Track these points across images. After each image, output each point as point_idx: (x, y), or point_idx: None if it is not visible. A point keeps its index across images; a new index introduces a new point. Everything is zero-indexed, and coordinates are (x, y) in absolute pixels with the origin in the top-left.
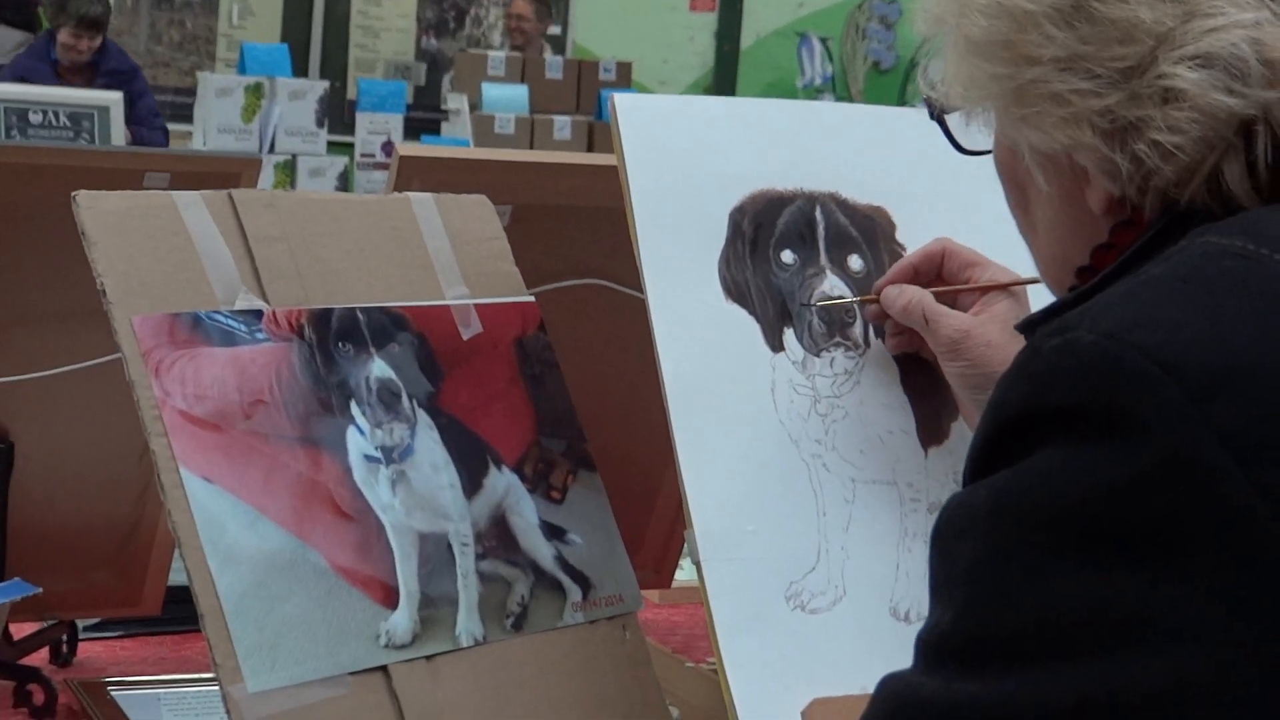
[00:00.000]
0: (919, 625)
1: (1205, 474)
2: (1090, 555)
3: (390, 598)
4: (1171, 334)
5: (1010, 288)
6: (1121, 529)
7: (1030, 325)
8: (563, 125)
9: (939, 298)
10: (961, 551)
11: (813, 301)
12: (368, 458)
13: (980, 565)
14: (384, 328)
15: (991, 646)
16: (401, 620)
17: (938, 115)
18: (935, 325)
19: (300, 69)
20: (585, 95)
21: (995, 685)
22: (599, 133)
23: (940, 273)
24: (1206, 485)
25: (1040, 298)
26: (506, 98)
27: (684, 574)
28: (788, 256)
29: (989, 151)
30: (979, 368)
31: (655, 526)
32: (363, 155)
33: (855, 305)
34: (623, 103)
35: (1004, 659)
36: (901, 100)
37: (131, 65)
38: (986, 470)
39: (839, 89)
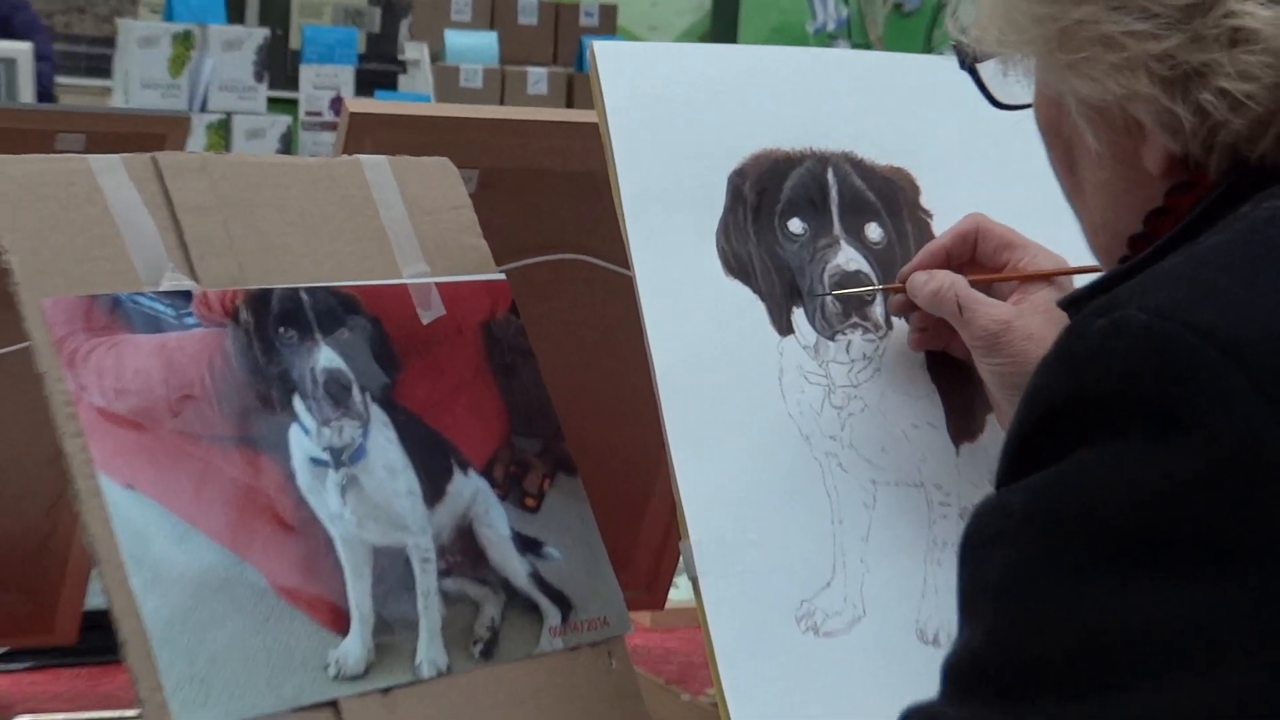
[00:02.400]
0: (948, 649)
1: (1272, 471)
2: (1142, 565)
3: (340, 622)
4: (1233, 313)
5: (1055, 276)
6: (1178, 534)
7: (1074, 302)
8: (538, 78)
9: (974, 285)
10: (994, 562)
11: (825, 282)
12: (314, 461)
13: (1016, 578)
14: (332, 311)
15: (1029, 672)
16: (353, 648)
17: (969, 64)
18: (971, 315)
19: (235, 15)
20: (563, 43)
21: (1034, 718)
22: (579, 86)
23: (973, 256)
24: (1274, 483)
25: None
26: (473, 46)
27: (679, 593)
28: (796, 226)
29: (1029, 105)
30: (1019, 364)
31: (646, 538)
32: (308, 113)
33: (876, 290)
34: (605, 52)
35: (1044, 687)
36: (927, 47)
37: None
38: (1023, 469)
39: (855, 34)
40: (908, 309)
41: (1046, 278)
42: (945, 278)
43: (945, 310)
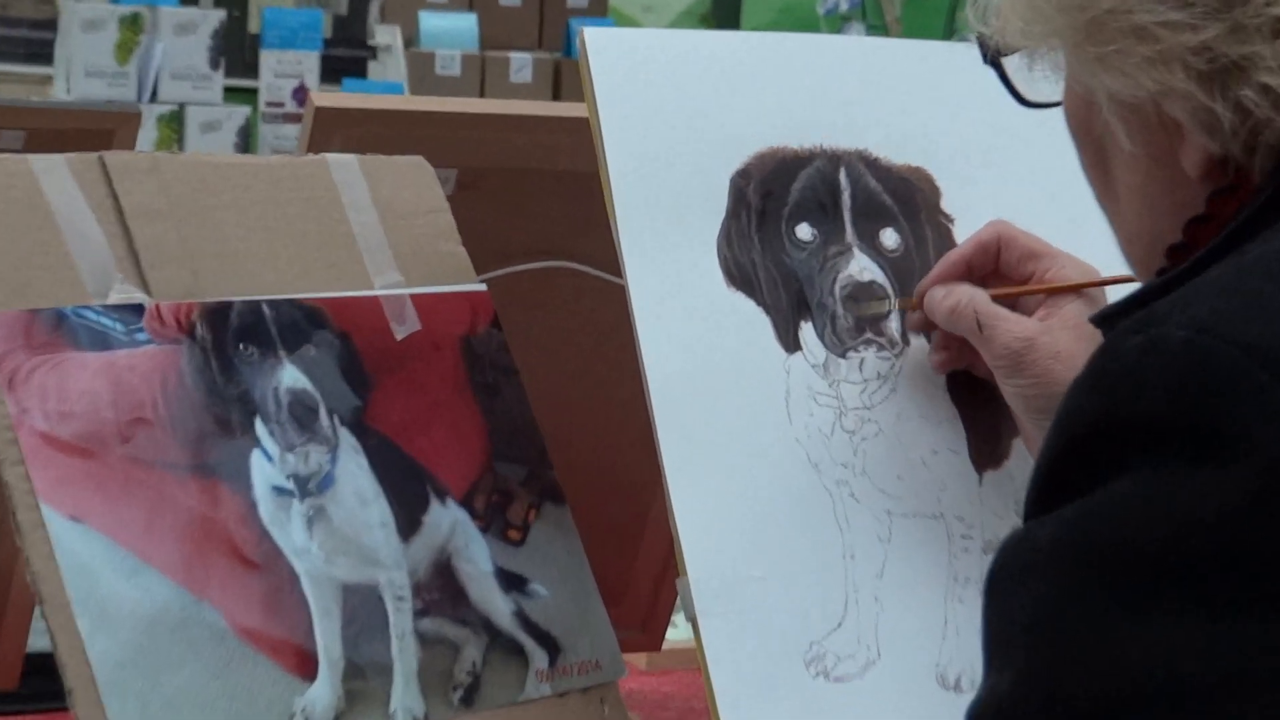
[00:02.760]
0: (972, 695)
1: None
2: (1185, 602)
3: (307, 666)
4: None
5: (1085, 288)
6: (1224, 567)
7: (1108, 319)
8: (521, 65)
9: (996, 300)
10: (1023, 601)
11: (837, 294)
12: (277, 490)
13: (1047, 618)
14: (297, 325)
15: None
16: (322, 694)
17: (993, 58)
18: (991, 332)
19: None
20: (550, 27)
21: None
22: (567, 73)
23: (996, 267)
24: None
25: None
26: (450, 30)
27: (678, 631)
28: (805, 232)
29: (1058, 104)
30: (1045, 385)
31: (641, 571)
32: (269, 104)
33: (892, 301)
34: (595, 39)
35: None
36: (948, 33)
37: None
38: (1053, 499)
39: (870, 17)
40: (927, 327)
41: (1075, 290)
42: (964, 292)
43: (964, 327)
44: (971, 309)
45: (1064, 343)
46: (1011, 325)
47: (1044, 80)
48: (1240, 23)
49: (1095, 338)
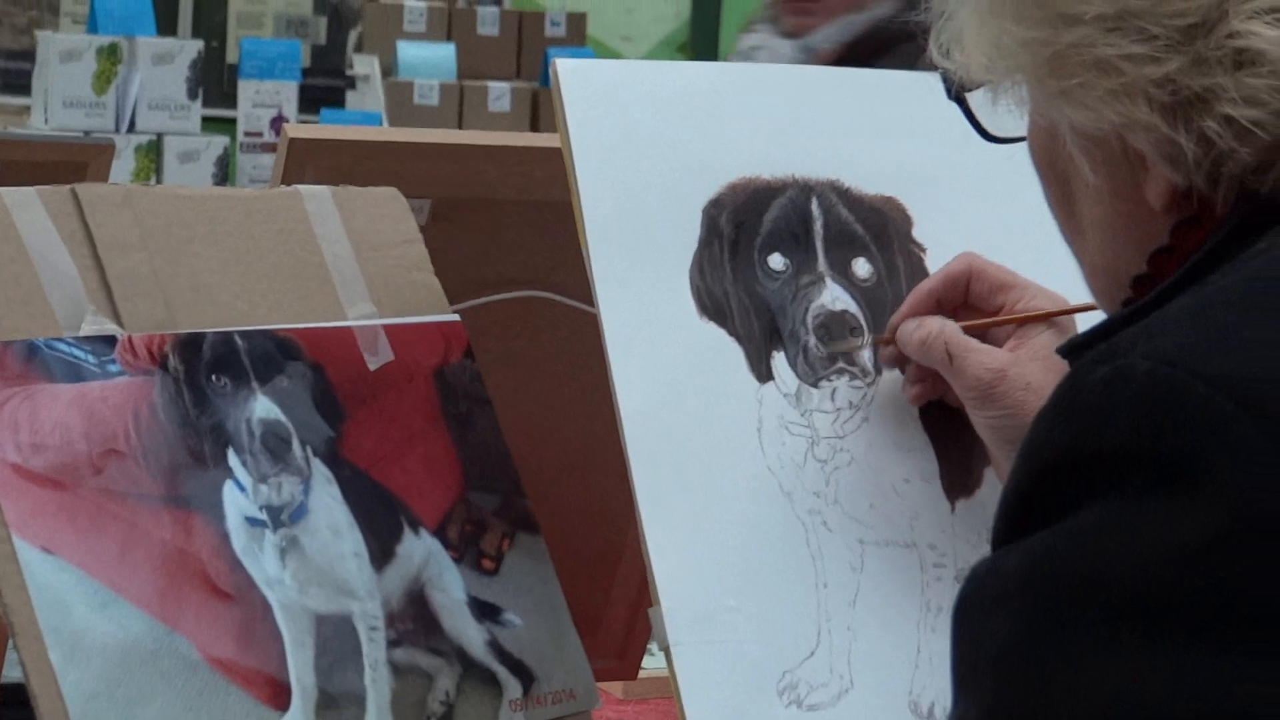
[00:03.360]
0: None
1: None
2: (1152, 635)
3: (280, 697)
4: (1246, 361)
5: (1055, 317)
6: (1191, 601)
7: (1075, 349)
8: (499, 93)
9: (967, 331)
10: (990, 631)
11: (809, 323)
12: (250, 520)
13: (1013, 649)
14: (269, 356)
15: None
16: None
17: (957, 93)
18: (962, 364)
19: (167, 25)
20: (528, 56)
21: None
22: (544, 102)
23: (967, 299)
24: None
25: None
26: (428, 60)
27: (654, 659)
28: (777, 261)
29: (1023, 139)
30: (1016, 416)
31: (617, 601)
32: (247, 134)
33: (866, 338)
34: (567, 69)
35: None
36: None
37: None
38: (1021, 529)
39: None
40: (901, 361)
41: (1045, 319)
42: (934, 324)
43: (934, 359)
44: (942, 340)
45: (1034, 374)
46: (982, 357)
47: (1008, 115)
48: (1202, 55)
49: (1065, 369)
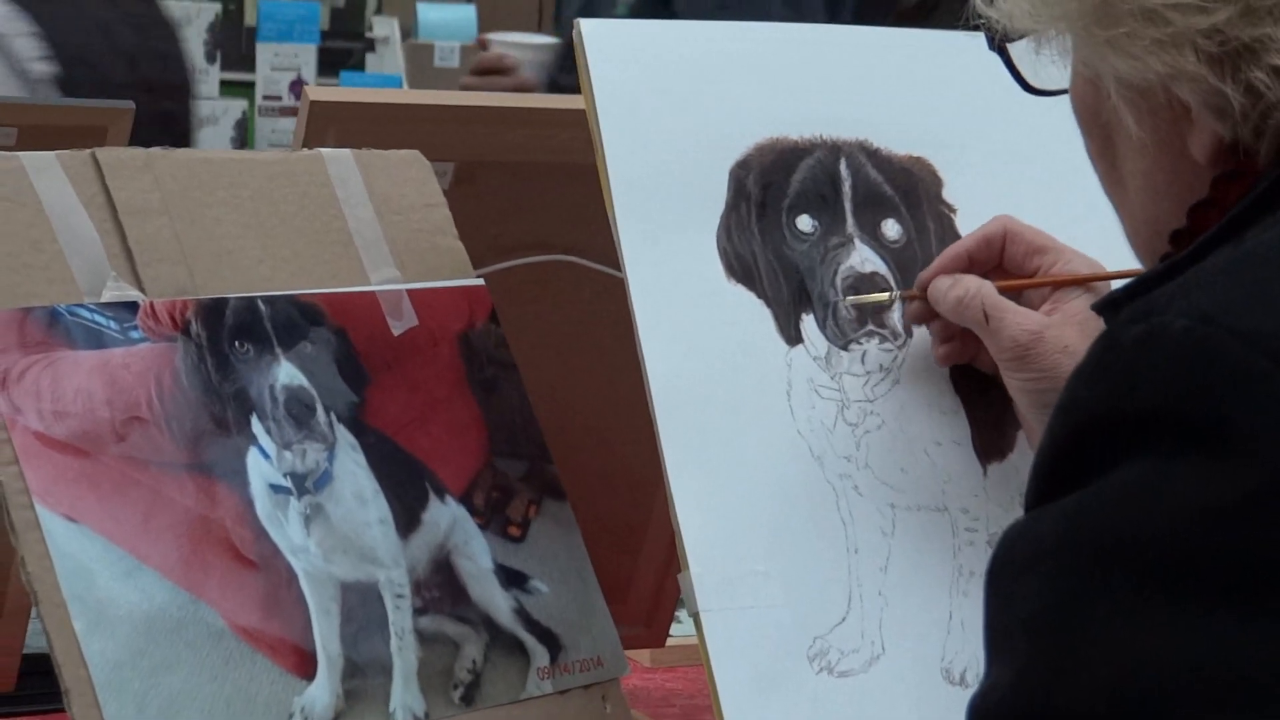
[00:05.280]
0: (975, 689)
1: None
2: (1188, 596)
3: (306, 665)
4: None
5: (1091, 283)
6: (1227, 562)
7: (1110, 306)
8: None
9: (1002, 292)
10: (1024, 593)
11: (838, 285)
12: (274, 488)
13: (1049, 611)
14: (293, 322)
15: (1065, 716)
16: (320, 694)
17: (998, 43)
18: (998, 324)
19: None
20: (549, 17)
21: None
22: None
23: (1001, 261)
24: None
25: None
26: (449, 20)
27: (682, 627)
28: (805, 223)
29: (1064, 91)
30: (1051, 379)
31: (644, 568)
32: (266, 98)
33: (894, 293)
34: (592, 30)
35: None
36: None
37: None
38: (1054, 491)
39: None
40: (927, 317)
41: (1082, 283)
42: (971, 283)
43: (970, 319)
44: (979, 300)
45: (1071, 337)
46: (1019, 318)
47: (1050, 66)
48: (1251, 5)
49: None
